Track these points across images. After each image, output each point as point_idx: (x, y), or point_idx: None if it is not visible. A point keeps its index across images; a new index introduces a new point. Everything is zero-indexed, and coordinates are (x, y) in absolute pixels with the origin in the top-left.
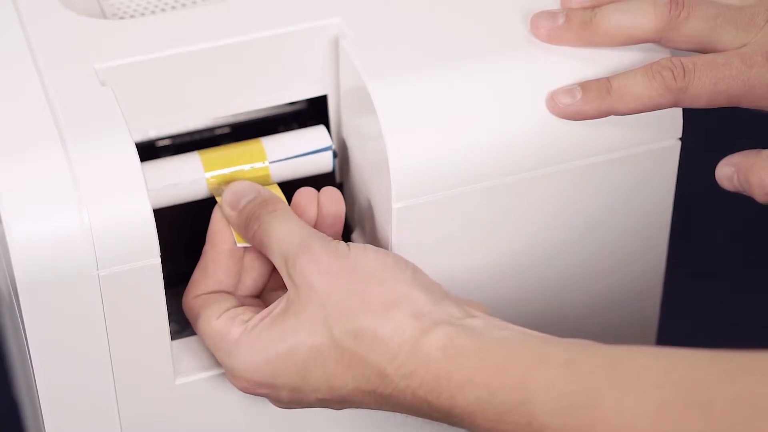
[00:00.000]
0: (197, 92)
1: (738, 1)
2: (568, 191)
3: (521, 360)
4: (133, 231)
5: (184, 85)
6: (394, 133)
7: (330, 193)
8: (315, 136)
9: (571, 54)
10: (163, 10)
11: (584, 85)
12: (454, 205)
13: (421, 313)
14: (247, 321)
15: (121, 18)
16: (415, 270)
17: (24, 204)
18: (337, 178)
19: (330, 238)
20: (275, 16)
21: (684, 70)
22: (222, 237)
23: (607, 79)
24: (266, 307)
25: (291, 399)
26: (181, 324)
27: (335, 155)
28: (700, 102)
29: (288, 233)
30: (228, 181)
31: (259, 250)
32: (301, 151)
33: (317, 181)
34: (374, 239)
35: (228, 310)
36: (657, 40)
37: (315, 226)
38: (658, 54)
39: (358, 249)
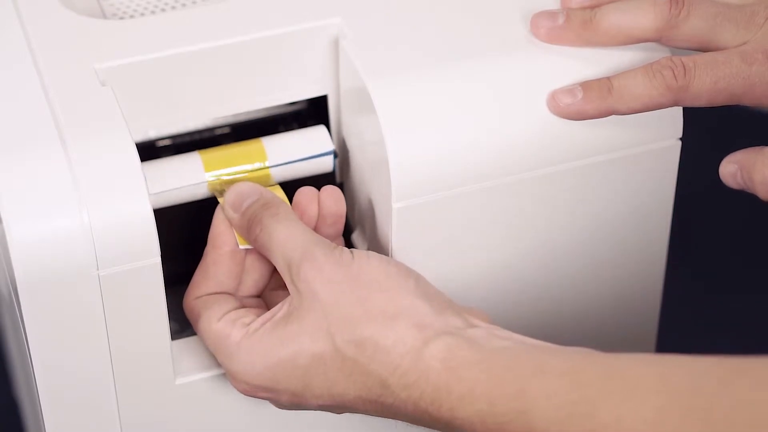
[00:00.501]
0: (197, 92)
1: None
2: (568, 191)
3: (520, 370)
4: (133, 231)
5: (184, 85)
6: (394, 133)
7: (331, 192)
8: (316, 138)
9: (572, 54)
10: (163, 10)
11: (585, 85)
12: (454, 205)
13: (423, 323)
14: (248, 324)
15: (121, 18)
16: (418, 279)
17: (24, 204)
18: (337, 178)
19: (333, 245)
20: (275, 16)
21: (684, 69)
22: (224, 239)
23: (608, 78)
24: (267, 306)
25: (291, 403)
26: (181, 324)
27: (335, 155)
28: (701, 101)
29: (291, 238)
30: (229, 183)
31: (261, 252)
32: (302, 155)
33: (317, 181)
34: (374, 239)
35: (229, 312)
36: (657, 39)
37: (316, 226)
38: (658, 53)
39: (361, 257)
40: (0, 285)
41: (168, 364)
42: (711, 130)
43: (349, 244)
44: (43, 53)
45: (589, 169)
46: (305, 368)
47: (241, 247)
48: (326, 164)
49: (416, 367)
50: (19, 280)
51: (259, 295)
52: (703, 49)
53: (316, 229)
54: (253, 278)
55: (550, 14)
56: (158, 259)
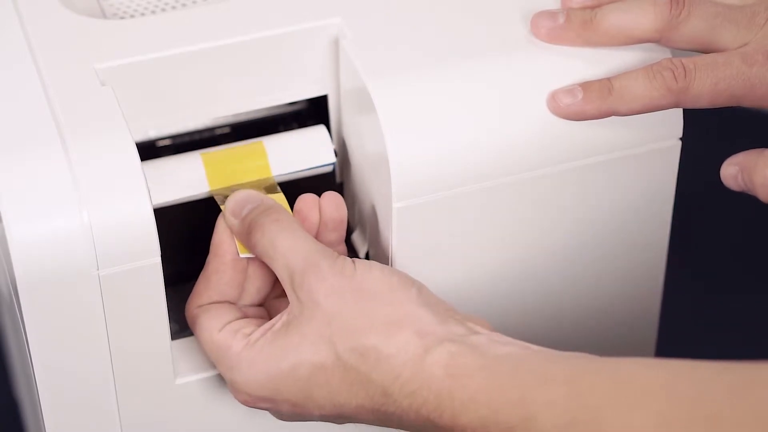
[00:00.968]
0: (197, 92)
1: (738, 0)
2: (568, 191)
3: (523, 377)
4: (134, 231)
5: (184, 85)
6: (394, 133)
7: (331, 198)
8: (319, 147)
9: (572, 54)
10: (163, 10)
11: (585, 86)
12: (455, 205)
13: (425, 331)
14: (249, 335)
15: (121, 18)
16: (420, 288)
17: (24, 204)
18: (337, 178)
19: (336, 255)
20: (275, 16)
21: (685, 71)
22: (225, 247)
23: (608, 79)
24: (270, 315)
25: (292, 413)
26: (181, 324)
27: (335, 155)
28: (701, 102)
29: (294, 248)
30: (231, 191)
31: (262, 259)
32: (305, 165)
33: (317, 181)
34: (374, 239)
35: (230, 322)
36: (657, 39)
37: (318, 232)
38: (658, 54)
39: (364, 267)
40: (0, 285)
41: (168, 364)
42: (711, 131)
43: (348, 245)
44: (43, 53)
45: (589, 169)
46: (306, 378)
47: (242, 255)
48: (326, 168)
49: (418, 374)
50: (19, 280)
51: (262, 304)
52: (704, 50)
53: (317, 235)
54: (256, 286)
55: (551, 14)
56: (158, 259)
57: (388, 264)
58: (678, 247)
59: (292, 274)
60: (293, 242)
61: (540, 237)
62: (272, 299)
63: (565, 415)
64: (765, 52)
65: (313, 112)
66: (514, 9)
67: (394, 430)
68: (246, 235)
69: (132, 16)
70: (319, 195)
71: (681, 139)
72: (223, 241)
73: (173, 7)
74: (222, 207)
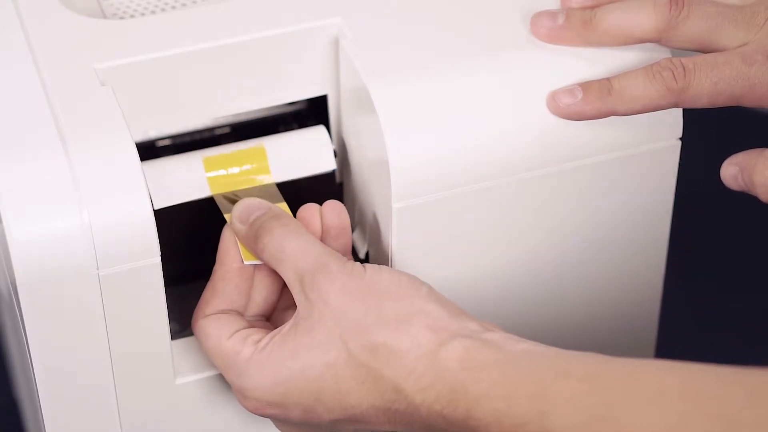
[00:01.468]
0: (197, 92)
1: (738, 0)
2: (568, 191)
3: (540, 372)
4: (134, 231)
5: (184, 85)
6: (394, 133)
7: (332, 206)
8: (320, 154)
9: (572, 54)
10: (163, 10)
11: (585, 86)
12: (455, 205)
13: (438, 326)
14: (258, 341)
15: (121, 18)
16: (430, 287)
17: (24, 204)
18: (337, 178)
19: (345, 258)
20: (275, 16)
21: (684, 71)
22: (231, 255)
23: (608, 79)
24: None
25: (302, 419)
26: (181, 324)
27: (335, 155)
28: (701, 102)
29: (303, 250)
30: (234, 194)
31: (269, 264)
32: (306, 173)
33: (317, 182)
34: (374, 239)
35: (239, 330)
36: (657, 39)
37: (321, 240)
38: (658, 54)
39: (373, 269)
40: (0, 285)
41: (168, 364)
42: (711, 131)
43: None
44: (43, 53)
45: (589, 169)
46: (316, 380)
47: (247, 262)
48: (326, 169)
49: (432, 369)
50: (19, 280)
51: (269, 318)
52: (703, 50)
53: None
54: (263, 295)
55: (551, 14)
56: (158, 259)
57: (387, 264)
58: (678, 247)
59: (302, 275)
60: (302, 245)
61: (539, 237)
62: (279, 312)
63: (582, 411)
64: (765, 51)
65: (313, 112)
66: (514, 9)
67: None
68: (254, 239)
69: (132, 16)
70: (319, 196)
71: (681, 139)
72: (229, 250)
73: (173, 7)
74: (227, 216)
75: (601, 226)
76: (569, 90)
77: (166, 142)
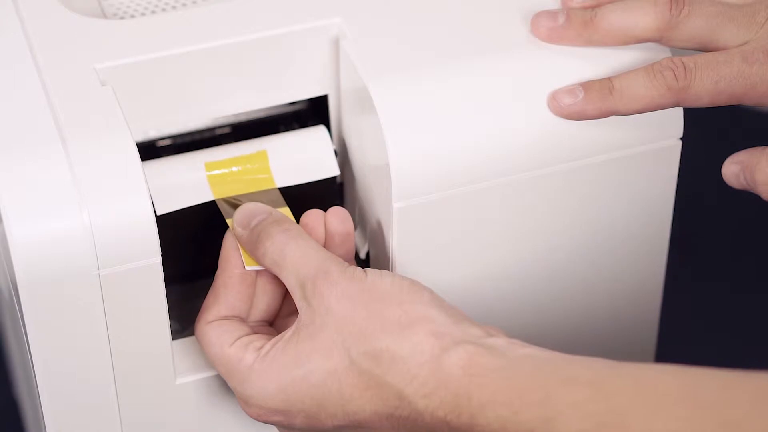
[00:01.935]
0: (197, 92)
1: None
2: (569, 191)
3: (545, 378)
4: (134, 230)
5: (184, 85)
6: (395, 133)
7: (336, 212)
8: (323, 161)
9: (572, 53)
10: (163, 10)
11: (586, 85)
12: (455, 205)
13: (441, 332)
14: (260, 348)
15: (121, 18)
16: (432, 293)
17: (24, 204)
18: (338, 178)
19: (347, 264)
20: (275, 16)
21: (685, 70)
22: (234, 261)
23: (609, 79)
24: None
25: (306, 426)
26: (181, 324)
27: (335, 155)
28: (702, 101)
29: (304, 255)
30: (236, 198)
31: (270, 269)
32: (309, 178)
33: (319, 184)
34: (374, 239)
35: (241, 337)
36: (657, 39)
37: (325, 246)
38: (658, 53)
39: (374, 274)
40: (0, 285)
41: (168, 364)
42: (712, 130)
43: None
44: (43, 53)
45: (589, 169)
46: (319, 386)
47: (248, 268)
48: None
49: (435, 375)
50: (19, 280)
51: (272, 324)
52: (704, 49)
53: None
54: (265, 302)
55: (551, 14)
56: (158, 259)
57: (388, 264)
58: (678, 247)
59: (303, 281)
60: (303, 250)
61: (539, 237)
62: (281, 318)
63: (589, 417)
64: (765, 50)
65: (313, 112)
66: (514, 9)
67: None
68: (255, 245)
69: (132, 16)
70: (320, 197)
71: (681, 139)
72: (231, 256)
73: (173, 7)
74: (228, 221)
75: (601, 226)
76: (570, 90)
77: (166, 142)
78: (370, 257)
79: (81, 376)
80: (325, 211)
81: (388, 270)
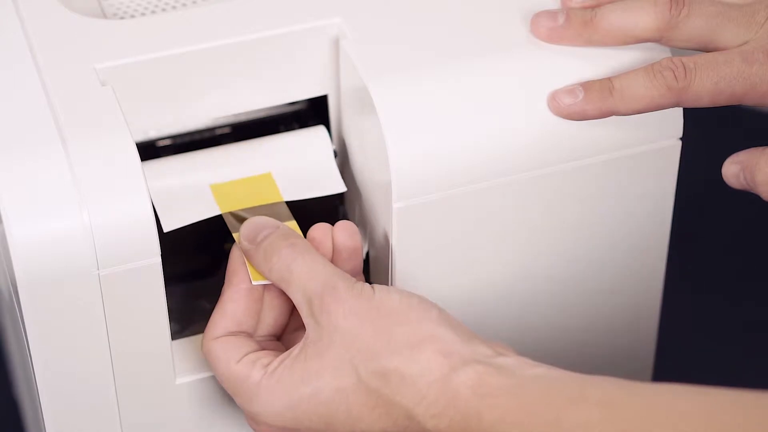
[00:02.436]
0: (197, 92)
1: None
2: (569, 191)
3: (555, 398)
4: (134, 230)
5: (184, 85)
6: (395, 132)
7: (344, 226)
8: (329, 180)
9: (572, 53)
10: (163, 10)
11: (586, 85)
12: (455, 205)
13: (450, 351)
14: (267, 365)
15: (121, 18)
16: (441, 310)
17: (24, 204)
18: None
19: (354, 279)
20: (275, 16)
21: (685, 70)
22: (240, 276)
23: (609, 79)
24: (287, 350)
25: None
26: (181, 324)
27: (335, 155)
28: (702, 101)
29: (311, 271)
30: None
31: (277, 285)
32: (315, 194)
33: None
34: (374, 239)
35: (248, 354)
36: (657, 39)
37: (332, 261)
38: (658, 53)
39: (382, 291)
40: (0, 285)
41: (168, 364)
42: (712, 130)
43: None
44: (43, 53)
45: (589, 169)
46: (327, 404)
47: (255, 282)
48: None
49: (444, 395)
50: (19, 280)
51: (279, 338)
52: (704, 49)
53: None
54: (272, 316)
55: (551, 14)
56: (158, 259)
57: (388, 264)
58: (678, 247)
59: (310, 298)
60: (310, 266)
61: (539, 237)
62: (289, 333)
63: None
64: (765, 50)
65: (313, 112)
66: (514, 9)
67: None
68: (261, 260)
69: (132, 16)
70: (326, 209)
71: (681, 139)
72: (238, 270)
73: (173, 7)
74: (235, 235)
75: (601, 226)
76: (570, 90)
77: (166, 142)
78: (370, 257)
79: (81, 376)
80: (329, 218)
81: (388, 269)
